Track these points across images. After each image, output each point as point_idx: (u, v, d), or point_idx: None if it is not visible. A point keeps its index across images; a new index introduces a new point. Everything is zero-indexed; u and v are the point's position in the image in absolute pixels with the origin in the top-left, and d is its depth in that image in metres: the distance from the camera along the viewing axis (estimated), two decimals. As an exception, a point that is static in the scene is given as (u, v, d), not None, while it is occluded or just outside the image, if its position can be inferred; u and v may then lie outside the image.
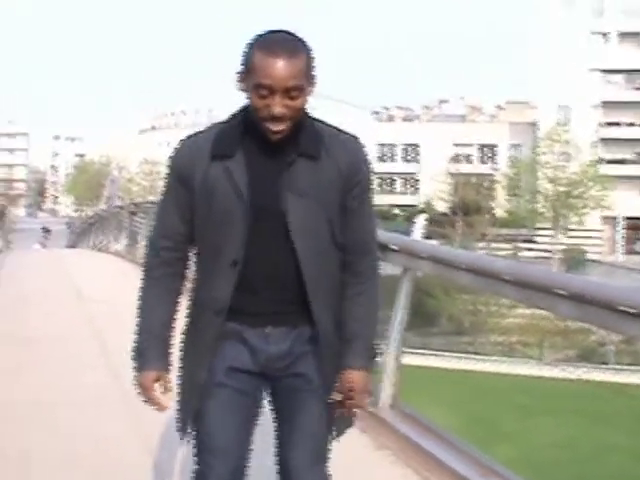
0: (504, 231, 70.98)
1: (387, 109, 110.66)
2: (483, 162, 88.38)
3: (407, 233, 7.66)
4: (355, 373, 3.20)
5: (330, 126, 3.29)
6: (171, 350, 3.24)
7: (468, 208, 74.80)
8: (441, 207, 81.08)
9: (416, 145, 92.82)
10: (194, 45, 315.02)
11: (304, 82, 3.06)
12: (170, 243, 3.24)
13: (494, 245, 62.93)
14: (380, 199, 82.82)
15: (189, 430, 3.27)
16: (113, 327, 9.23)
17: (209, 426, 3.20)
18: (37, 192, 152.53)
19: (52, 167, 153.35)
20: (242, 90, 3.07)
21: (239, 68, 3.06)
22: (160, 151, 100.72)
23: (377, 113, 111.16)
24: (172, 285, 3.27)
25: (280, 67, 2.97)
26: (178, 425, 3.30)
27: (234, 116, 3.17)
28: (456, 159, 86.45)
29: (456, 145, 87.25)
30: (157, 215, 3.31)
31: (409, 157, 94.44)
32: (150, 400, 3.22)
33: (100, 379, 7.46)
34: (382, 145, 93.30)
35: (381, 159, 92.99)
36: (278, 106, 2.99)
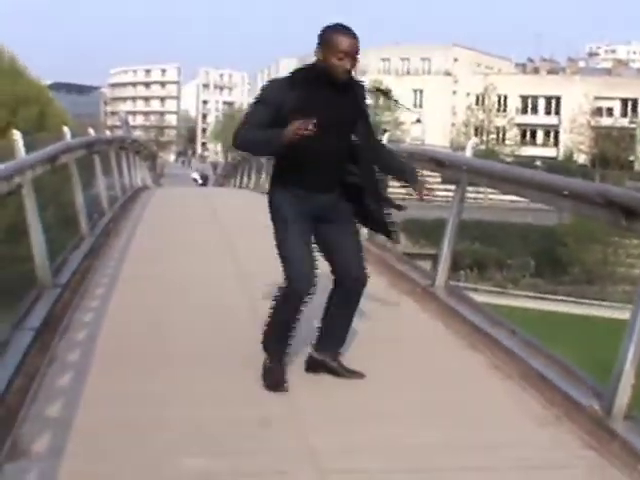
0: (643, 185, 70.74)
1: (532, 61, 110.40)
2: (624, 116, 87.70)
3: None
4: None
5: None
6: None
7: (607, 161, 74.85)
8: (581, 159, 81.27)
9: (558, 97, 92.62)
10: None
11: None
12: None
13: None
14: (521, 150, 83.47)
15: None
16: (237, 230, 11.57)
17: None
18: (187, 139, 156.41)
19: (202, 115, 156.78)
20: (318, 55, 5.31)
21: (318, 45, 5.30)
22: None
23: (522, 65, 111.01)
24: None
25: (353, 42, 5.25)
26: None
27: (306, 69, 5.44)
28: (597, 112, 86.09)
29: (597, 98, 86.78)
30: (248, 114, 5.45)
31: (551, 109, 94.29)
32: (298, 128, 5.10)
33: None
34: (524, 97, 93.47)
35: (523, 110, 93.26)
36: (349, 64, 5.25)
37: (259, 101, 5.37)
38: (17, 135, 8.06)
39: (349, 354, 6.03)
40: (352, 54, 5.23)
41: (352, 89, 5.46)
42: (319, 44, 5.29)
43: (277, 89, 5.37)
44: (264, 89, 5.43)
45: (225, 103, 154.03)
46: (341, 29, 5.26)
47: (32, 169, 7.84)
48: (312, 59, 5.40)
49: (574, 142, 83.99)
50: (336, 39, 5.21)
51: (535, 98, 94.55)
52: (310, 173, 5.39)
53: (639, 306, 4.96)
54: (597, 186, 5.96)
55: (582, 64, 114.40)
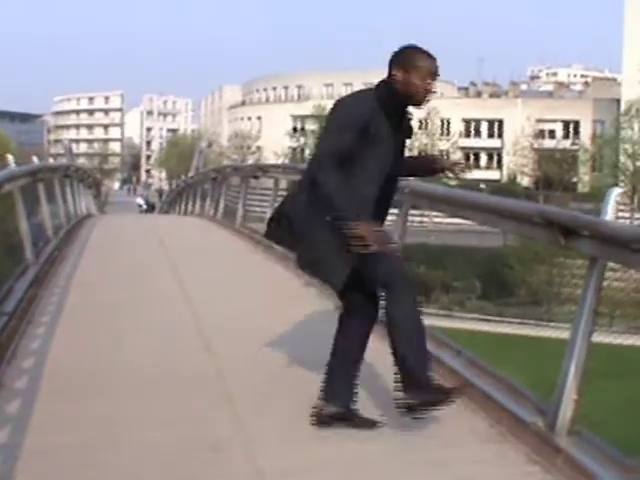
0: (586, 206, 71.36)
1: (474, 85, 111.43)
2: (566, 138, 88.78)
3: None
4: None
5: None
6: None
7: (551, 183, 75.69)
8: (525, 182, 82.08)
9: (501, 121, 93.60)
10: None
11: None
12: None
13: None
14: (465, 174, 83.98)
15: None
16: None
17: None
18: (131, 166, 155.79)
19: (146, 142, 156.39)
20: (397, 76, 5.10)
21: (401, 65, 5.10)
22: (250, 125, 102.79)
23: (465, 89, 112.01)
24: None
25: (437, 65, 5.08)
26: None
27: (387, 92, 5.21)
28: (539, 135, 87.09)
29: (539, 121, 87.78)
30: (334, 138, 4.99)
31: (494, 132, 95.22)
32: (376, 237, 4.81)
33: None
34: (467, 120, 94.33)
35: (466, 134, 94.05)
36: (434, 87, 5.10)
37: (348, 124, 5.04)
38: (-40, 164, 8.07)
39: (306, 367, 6.08)
40: (435, 76, 5.10)
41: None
42: (398, 65, 5.13)
43: (367, 112, 5.09)
44: (352, 110, 5.14)
45: (169, 130, 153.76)
46: (425, 52, 5.13)
47: (-24, 198, 7.85)
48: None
49: (517, 165, 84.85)
50: (423, 60, 5.08)
51: (478, 121, 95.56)
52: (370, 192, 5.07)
53: (579, 324, 5.07)
54: (537, 206, 6.10)
55: (524, 87, 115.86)
